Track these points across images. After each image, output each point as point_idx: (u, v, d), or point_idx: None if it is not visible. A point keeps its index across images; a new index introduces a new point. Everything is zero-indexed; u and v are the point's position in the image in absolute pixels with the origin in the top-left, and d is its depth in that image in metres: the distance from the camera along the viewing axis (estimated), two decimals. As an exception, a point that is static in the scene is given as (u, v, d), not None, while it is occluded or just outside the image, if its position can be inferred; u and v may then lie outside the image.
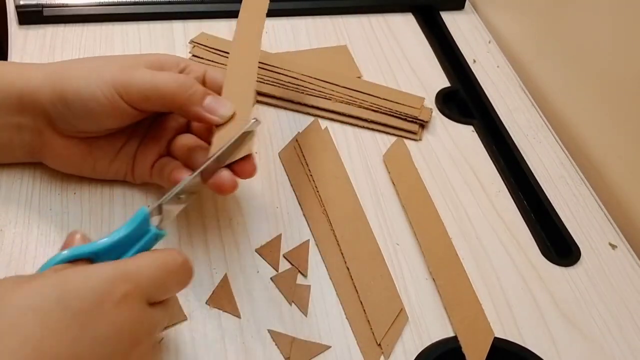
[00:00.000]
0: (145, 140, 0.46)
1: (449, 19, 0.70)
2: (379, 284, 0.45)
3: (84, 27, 0.62)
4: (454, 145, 0.56)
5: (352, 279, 0.44)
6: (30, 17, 0.60)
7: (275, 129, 0.55)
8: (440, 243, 0.48)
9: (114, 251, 0.34)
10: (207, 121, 0.42)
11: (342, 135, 0.55)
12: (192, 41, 0.61)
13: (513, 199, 0.53)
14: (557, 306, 0.45)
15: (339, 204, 0.49)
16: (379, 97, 0.57)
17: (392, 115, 0.57)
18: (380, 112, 0.57)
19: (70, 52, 0.59)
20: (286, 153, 0.53)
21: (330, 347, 0.41)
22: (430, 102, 0.60)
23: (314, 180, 0.51)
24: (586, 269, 0.48)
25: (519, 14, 0.68)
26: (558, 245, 0.50)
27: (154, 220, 0.36)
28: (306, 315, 0.43)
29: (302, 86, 0.58)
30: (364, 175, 0.52)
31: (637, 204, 0.52)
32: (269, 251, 0.46)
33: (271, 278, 0.44)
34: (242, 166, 0.41)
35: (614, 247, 0.50)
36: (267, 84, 0.57)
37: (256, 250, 0.46)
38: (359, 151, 0.54)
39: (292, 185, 0.51)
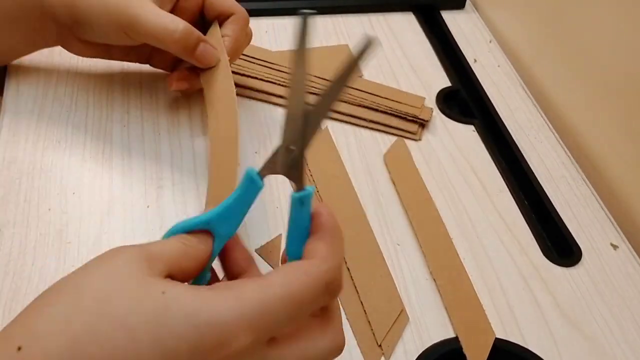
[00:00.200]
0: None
1: (450, 18, 0.70)
2: (379, 285, 0.44)
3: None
4: (455, 145, 0.56)
5: (352, 279, 0.44)
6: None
7: (275, 128, 0.55)
8: (440, 243, 0.48)
9: (229, 219, 0.31)
10: (202, 64, 0.48)
11: (342, 135, 0.55)
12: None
13: (514, 199, 0.52)
14: (558, 307, 0.45)
15: (339, 204, 0.49)
16: (380, 96, 0.57)
17: (393, 115, 0.56)
18: (381, 112, 0.57)
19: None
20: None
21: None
22: (430, 102, 0.60)
23: (314, 180, 0.50)
24: (587, 269, 0.48)
25: (520, 13, 0.67)
26: (559, 246, 0.49)
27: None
28: (306, 316, 0.42)
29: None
30: (364, 175, 0.52)
31: (638, 204, 0.52)
32: (269, 251, 0.45)
33: (271, 278, 0.44)
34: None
35: (615, 247, 0.50)
36: (267, 82, 0.57)
37: (256, 250, 0.46)
38: (359, 151, 0.54)
39: (292, 185, 0.50)
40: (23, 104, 0.53)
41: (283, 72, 0.58)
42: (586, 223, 0.51)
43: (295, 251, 0.31)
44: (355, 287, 0.44)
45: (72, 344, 0.24)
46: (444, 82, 0.62)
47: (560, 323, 0.44)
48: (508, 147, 0.56)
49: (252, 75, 0.58)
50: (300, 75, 0.32)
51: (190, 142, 0.52)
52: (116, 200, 0.47)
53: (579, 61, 0.59)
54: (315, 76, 0.58)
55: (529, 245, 0.49)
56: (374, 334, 0.42)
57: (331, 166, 0.52)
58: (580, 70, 0.58)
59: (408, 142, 0.55)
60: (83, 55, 0.52)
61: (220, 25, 0.50)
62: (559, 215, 0.51)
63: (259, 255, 0.45)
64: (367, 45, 0.31)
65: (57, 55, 0.58)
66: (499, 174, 0.54)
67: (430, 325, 0.43)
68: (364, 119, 0.56)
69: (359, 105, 0.57)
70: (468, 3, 0.72)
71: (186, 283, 0.28)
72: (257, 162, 0.52)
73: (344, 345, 0.30)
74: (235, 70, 0.58)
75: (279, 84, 0.57)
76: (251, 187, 0.31)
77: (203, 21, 0.51)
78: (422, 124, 0.57)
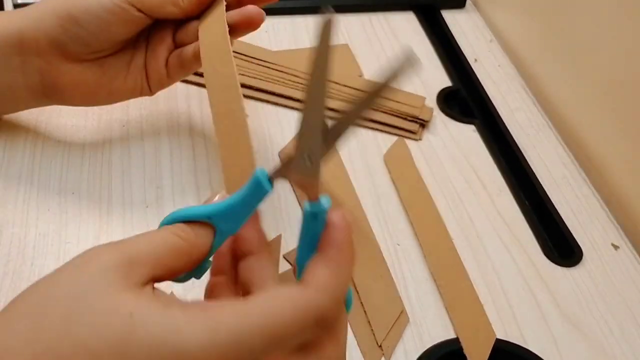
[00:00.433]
0: (151, 46, 0.47)
1: (450, 17, 0.70)
2: (380, 285, 0.44)
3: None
4: (455, 144, 0.56)
5: (352, 280, 0.44)
6: (29, 15, 0.60)
7: (275, 128, 0.55)
8: (441, 243, 0.48)
9: (232, 217, 0.29)
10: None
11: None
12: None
13: (514, 199, 0.52)
14: (558, 307, 0.45)
15: (339, 204, 0.49)
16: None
17: (393, 115, 0.56)
18: (381, 111, 0.56)
19: (69, 50, 0.58)
20: (286, 153, 0.53)
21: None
22: (431, 102, 0.60)
23: (314, 180, 0.50)
24: (588, 270, 0.48)
25: (520, 13, 0.67)
26: (560, 246, 0.49)
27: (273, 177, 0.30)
28: (306, 317, 0.42)
29: (303, 84, 0.57)
30: (364, 175, 0.52)
31: (639, 204, 0.52)
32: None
33: (271, 279, 0.44)
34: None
35: (616, 247, 0.50)
36: (267, 81, 0.57)
37: (256, 251, 0.45)
38: (359, 151, 0.54)
39: (292, 185, 0.50)
40: (22, 103, 0.53)
41: (283, 72, 0.58)
42: (587, 223, 0.51)
43: (305, 260, 0.29)
44: (355, 288, 0.44)
45: None
46: (445, 81, 0.62)
47: (560, 323, 0.44)
48: (509, 147, 0.56)
49: (252, 75, 0.57)
50: (320, 80, 0.30)
51: (190, 142, 0.52)
52: (115, 200, 0.47)
53: (579, 61, 0.59)
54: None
55: (530, 245, 0.49)
56: (374, 335, 0.41)
57: (331, 166, 0.52)
58: (581, 69, 0.58)
59: (408, 142, 0.55)
60: (79, 98, 0.46)
61: None
62: (559, 215, 0.51)
63: (259, 255, 0.45)
64: (407, 62, 0.30)
65: (56, 55, 0.58)
66: (499, 173, 0.54)
67: (430, 325, 0.43)
68: (364, 119, 0.56)
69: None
70: (468, 2, 0.72)
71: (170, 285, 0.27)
72: (257, 161, 0.51)
73: None
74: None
75: (279, 84, 0.57)
76: (258, 189, 0.30)
77: None
78: (423, 123, 0.57)
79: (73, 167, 0.49)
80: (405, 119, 0.56)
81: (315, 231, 0.29)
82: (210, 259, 0.31)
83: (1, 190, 0.46)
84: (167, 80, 0.47)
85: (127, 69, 0.46)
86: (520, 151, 0.56)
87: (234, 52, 0.58)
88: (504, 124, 0.58)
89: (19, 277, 0.42)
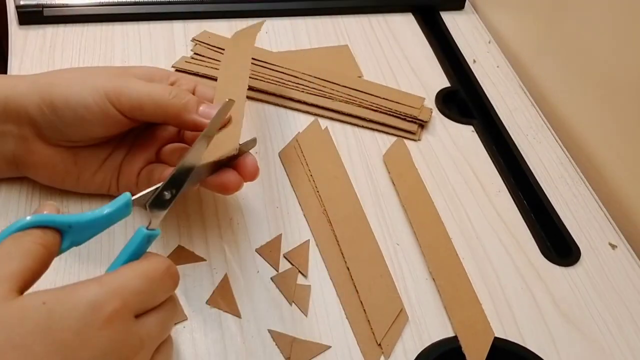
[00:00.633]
0: (133, 150, 0.45)
1: (449, 19, 0.70)
2: (379, 284, 0.45)
3: (84, 27, 0.62)
4: (454, 145, 0.56)
5: (352, 279, 0.44)
6: (30, 17, 0.60)
7: (275, 128, 0.55)
8: (440, 243, 0.48)
9: (88, 230, 0.33)
10: (203, 127, 0.41)
11: (342, 135, 0.55)
12: (194, 39, 0.61)
13: (513, 199, 0.53)
14: (557, 306, 0.45)
15: (339, 204, 0.49)
16: (379, 97, 0.57)
17: (392, 115, 0.57)
18: (380, 112, 0.57)
19: (70, 52, 0.59)
20: (286, 153, 0.53)
21: (330, 347, 0.41)
22: (430, 102, 0.60)
23: (314, 180, 0.51)
24: (586, 269, 0.48)
25: (519, 14, 0.68)
26: (558, 245, 0.50)
27: (137, 205, 0.35)
28: (306, 315, 0.43)
29: (303, 84, 0.58)
30: (364, 175, 0.52)
31: (637, 204, 0.52)
32: (269, 251, 0.46)
33: (271, 278, 0.44)
34: (245, 168, 0.42)
35: (614, 247, 0.50)
36: (267, 82, 0.58)
37: (256, 250, 0.46)
38: (359, 151, 0.54)
39: (292, 185, 0.51)
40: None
41: (283, 73, 0.58)
42: (585, 223, 0.51)
43: (120, 264, 0.34)
44: (355, 287, 0.44)
45: None
46: (443, 82, 0.63)
47: (558, 322, 0.44)
48: (507, 148, 0.56)
49: (252, 76, 0.58)
50: (202, 140, 0.38)
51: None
52: (117, 200, 0.47)
53: (577, 61, 0.59)
54: (315, 77, 0.58)
55: (528, 244, 0.49)
56: (373, 333, 0.42)
57: (331, 166, 0.52)
58: (579, 70, 0.59)
59: (407, 142, 0.56)
60: (46, 178, 0.45)
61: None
62: (557, 215, 0.51)
63: (259, 255, 0.45)
64: (252, 142, 0.41)
65: (57, 55, 0.58)
66: (497, 174, 0.54)
67: (429, 324, 0.43)
68: (364, 119, 0.56)
69: (359, 105, 0.57)
70: (467, 4, 0.73)
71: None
72: (257, 161, 0.52)
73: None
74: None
75: (279, 85, 0.57)
76: (123, 210, 0.34)
77: None
78: (422, 124, 0.57)
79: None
80: (404, 119, 0.57)
81: (140, 251, 0.34)
82: None
83: (4, 190, 0.47)
84: (137, 188, 0.44)
85: (100, 165, 0.44)
86: (519, 151, 0.56)
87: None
88: (502, 124, 0.58)
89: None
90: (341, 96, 0.57)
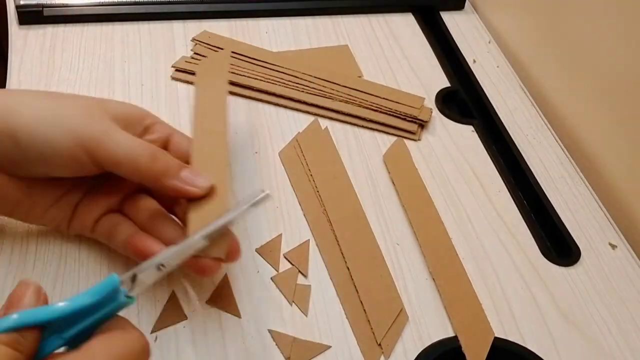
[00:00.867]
0: (94, 191, 0.41)
1: (449, 19, 0.70)
2: (379, 284, 0.45)
3: (84, 27, 0.62)
4: (454, 145, 0.56)
5: (352, 279, 0.44)
6: (30, 17, 0.60)
7: (275, 128, 0.55)
8: (440, 243, 0.48)
9: (72, 319, 0.29)
10: (184, 193, 0.38)
11: (342, 135, 0.55)
12: (194, 39, 0.61)
13: (513, 198, 0.53)
14: (557, 306, 0.45)
15: (339, 204, 0.49)
16: (379, 97, 0.57)
17: (392, 115, 0.57)
18: (380, 112, 0.57)
19: (70, 52, 0.59)
20: (286, 153, 0.53)
21: (330, 347, 0.41)
22: (430, 102, 0.60)
23: (314, 180, 0.51)
24: (586, 269, 0.48)
25: (519, 14, 0.68)
26: (558, 245, 0.50)
27: (125, 285, 0.32)
28: (306, 316, 0.43)
29: (303, 84, 0.58)
30: (364, 175, 0.52)
31: (637, 204, 0.52)
32: (269, 251, 0.46)
33: (271, 278, 0.44)
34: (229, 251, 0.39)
35: (614, 246, 0.50)
36: (267, 82, 0.58)
37: (256, 250, 0.46)
38: (359, 151, 0.54)
39: (292, 185, 0.51)
40: (24, 104, 0.53)
41: (283, 73, 0.58)
42: (585, 222, 0.51)
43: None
44: (355, 287, 0.44)
45: None
46: (443, 82, 0.63)
47: (558, 322, 0.44)
48: (507, 147, 0.56)
49: (253, 76, 0.58)
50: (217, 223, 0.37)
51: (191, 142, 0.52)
52: (117, 200, 0.47)
53: (577, 61, 0.59)
54: (315, 77, 0.58)
55: (528, 244, 0.49)
56: (373, 333, 0.42)
57: (331, 166, 0.52)
58: (578, 70, 0.59)
59: (407, 142, 0.56)
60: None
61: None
62: (557, 215, 0.51)
63: (259, 255, 0.45)
64: (263, 199, 0.37)
65: (57, 55, 0.58)
66: (497, 174, 0.54)
67: (429, 324, 0.43)
68: (364, 119, 0.56)
69: (359, 105, 0.57)
70: (467, 4, 0.73)
71: None
72: (258, 162, 0.52)
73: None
74: (236, 71, 0.58)
75: (279, 85, 0.57)
76: (108, 295, 0.30)
77: None
78: (422, 124, 0.57)
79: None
80: (404, 119, 0.57)
81: (110, 311, 0.30)
82: None
83: None
84: (91, 234, 0.41)
85: (55, 202, 0.40)
86: (519, 151, 0.56)
87: (234, 53, 0.59)
88: (502, 124, 0.58)
89: (22, 277, 0.42)
90: (341, 96, 0.57)
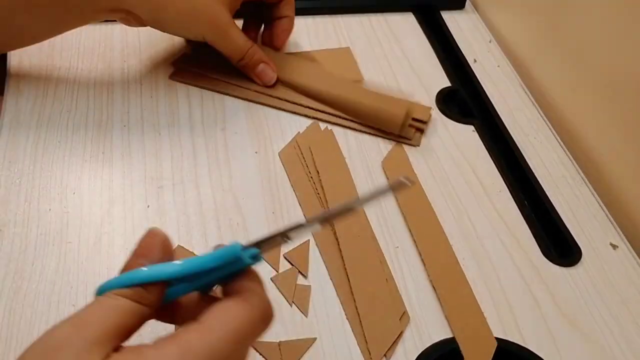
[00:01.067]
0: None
1: (450, 18, 0.70)
2: (380, 284, 0.44)
3: (83, 26, 0.61)
4: (455, 145, 0.56)
5: (353, 279, 0.44)
6: (30, 16, 0.60)
7: (275, 129, 0.55)
8: (440, 251, 0.47)
9: (195, 276, 0.29)
10: (255, 80, 0.57)
11: (343, 139, 0.55)
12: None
13: (514, 198, 0.52)
14: (557, 306, 0.45)
15: (339, 204, 0.49)
16: (364, 111, 0.56)
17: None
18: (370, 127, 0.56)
19: (69, 51, 0.59)
20: (286, 153, 0.53)
21: (316, 338, 0.41)
22: (430, 102, 0.60)
23: (314, 181, 0.50)
24: (587, 269, 0.48)
25: (519, 14, 0.67)
26: (559, 245, 0.49)
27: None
28: (306, 316, 0.42)
29: (301, 88, 0.57)
30: (365, 179, 0.52)
31: (638, 204, 0.52)
32: (268, 251, 0.45)
33: (271, 278, 0.44)
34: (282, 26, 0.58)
35: (615, 247, 0.50)
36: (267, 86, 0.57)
37: (256, 251, 0.46)
38: (359, 155, 0.54)
39: (292, 185, 0.50)
40: (24, 104, 0.53)
41: (283, 79, 0.58)
42: (586, 223, 0.51)
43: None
44: (355, 287, 0.44)
45: None
46: (444, 82, 0.62)
47: (559, 322, 0.44)
48: (508, 147, 0.56)
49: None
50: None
51: (191, 142, 0.52)
52: (116, 200, 0.47)
53: (578, 61, 0.59)
54: (314, 85, 0.58)
55: (529, 245, 0.49)
56: (373, 334, 0.42)
57: (331, 166, 0.52)
58: (579, 70, 0.59)
59: (408, 143, 0.55)
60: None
61: (277, 4, 0.58)
62: (558, 215, 0.51)
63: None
64: (398, 185, 0.32)
65: (57, 55, 0.58)
66: (498, 173, 0.54)
67: (430, 325, 0.43)
68: (360, 124, 0.56)
69: (352, 116, 0.56)
70: (468, 3, 0.72)
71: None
72: (257, 161, 0.52)
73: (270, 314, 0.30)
74: (236, 71, 0.58)
75: (279, 86, 0.57)
76: (230, 262, 0.30)
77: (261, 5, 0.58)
78: (420, 129, 0.56)
79: (74, 167, 0.49)
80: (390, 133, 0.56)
81: (235, 269, 0.30)
82: None
83: (3, 191, 0.47)
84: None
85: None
86: (520, 151, 0.56)
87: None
88: (503, 124, 0.58)
89: (21, 277, 0.42)
90: (338, 104, 0.56)
